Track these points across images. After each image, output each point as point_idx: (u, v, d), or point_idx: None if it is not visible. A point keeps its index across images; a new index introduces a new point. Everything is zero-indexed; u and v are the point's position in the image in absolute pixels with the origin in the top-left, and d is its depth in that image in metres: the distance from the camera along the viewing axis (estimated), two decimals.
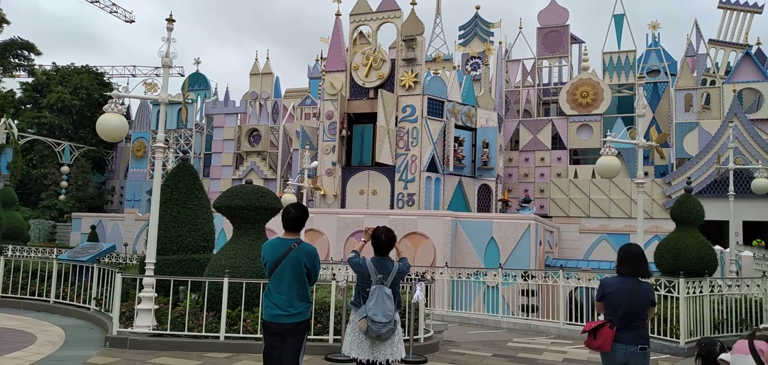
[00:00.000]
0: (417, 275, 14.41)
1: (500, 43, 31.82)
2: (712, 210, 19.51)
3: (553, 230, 24.59)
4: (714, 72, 30.15)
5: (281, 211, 5.36)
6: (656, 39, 32.64)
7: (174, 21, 8.12)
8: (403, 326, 8.41)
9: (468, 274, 15.91)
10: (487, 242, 20.06)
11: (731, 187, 15.44)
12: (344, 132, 25.12)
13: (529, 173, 30.72)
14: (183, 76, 41.06)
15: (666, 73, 31.74)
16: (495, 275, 15.21)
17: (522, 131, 31.43)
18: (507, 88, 32.44)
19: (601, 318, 5.07)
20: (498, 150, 26.68)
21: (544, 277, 14.22)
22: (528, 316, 14.31)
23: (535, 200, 29.70)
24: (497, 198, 26.70)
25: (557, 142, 30.82)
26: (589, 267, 19.82)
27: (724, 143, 24.86)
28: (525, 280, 14.63)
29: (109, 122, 8.22)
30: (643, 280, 5.03)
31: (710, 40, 31.09)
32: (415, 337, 9.17)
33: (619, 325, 4.85)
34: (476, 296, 16.00)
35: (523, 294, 15.38)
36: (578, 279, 13.44)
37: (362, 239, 6.10)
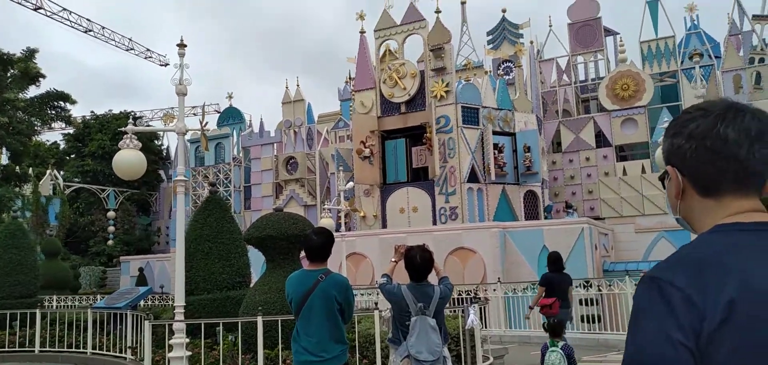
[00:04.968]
0: (468, 294, 13.51)
1: (531, 42, 30.75)
2: None
3: (608, 232, 23.22)
4: (762, 49, 28.37)
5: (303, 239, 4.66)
6: (695, 22, 30.97)
7: (185, 46, 7.63)
8: (458, 357, 7.59)
9: (523, 288, 14.88)
10: (539, 251, 18.79)
11: None
12: (370, 151, 24.21)
13: (575, 175, 29.37)
14: (219, 112, 41.26)
15: (710, 56, 30.01)
16: None
17: (563, 131, 30.17)
18: (543, 89, 31.25)
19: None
20: (540, 153, 25.54)
21: (609, 285, 13.13)
22: (593, 329, 13.23)
23: (584, 201, 28.33)
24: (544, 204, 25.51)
25: (601, 139, 29.39)
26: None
27: None
28: (586, 289, 13.56)
29: (126, 159, 7.77)
30: (564, 272, 9.06)
31: (754, 15, 29.28)
32: None
33: (559, 298, 8.65)
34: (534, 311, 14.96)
35: (582, 304, 14.28)
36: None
37: (392, 260, 5.20)
